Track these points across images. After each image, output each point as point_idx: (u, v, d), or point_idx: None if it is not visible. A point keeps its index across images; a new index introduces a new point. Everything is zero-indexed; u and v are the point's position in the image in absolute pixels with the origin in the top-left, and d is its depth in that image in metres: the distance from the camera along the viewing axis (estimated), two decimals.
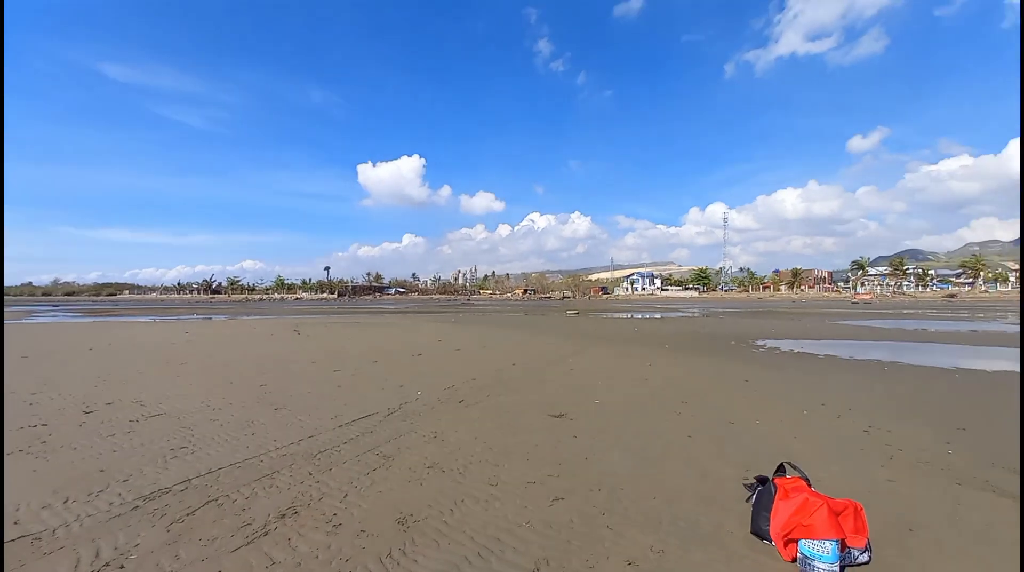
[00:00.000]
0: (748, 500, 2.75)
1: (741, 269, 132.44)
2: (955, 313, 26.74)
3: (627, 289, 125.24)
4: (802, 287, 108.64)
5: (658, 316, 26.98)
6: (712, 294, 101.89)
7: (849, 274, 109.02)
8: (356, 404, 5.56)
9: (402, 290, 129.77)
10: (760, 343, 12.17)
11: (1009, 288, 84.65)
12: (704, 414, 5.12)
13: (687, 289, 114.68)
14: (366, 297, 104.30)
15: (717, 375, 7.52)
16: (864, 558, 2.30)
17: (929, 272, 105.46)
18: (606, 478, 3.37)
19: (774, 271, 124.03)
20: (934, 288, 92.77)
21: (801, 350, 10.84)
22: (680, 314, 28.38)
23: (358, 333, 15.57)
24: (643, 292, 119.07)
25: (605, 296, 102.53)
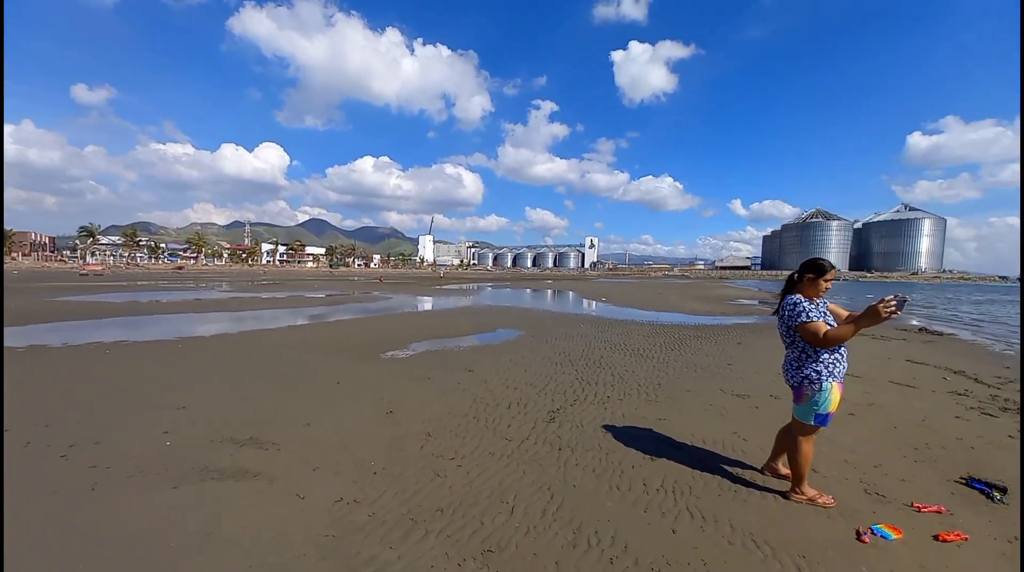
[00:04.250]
0: None
1: None
2: (184, 284, 30.01)
3: None
4: (14, 255, 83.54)
5: None
6: None
7: (78, 242, 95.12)
8: None
9: None
10: None
11: (223, 263, 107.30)
12: None
13: None
14: None
15: None
16: None
17: (161, 245, 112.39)
18: None
19: None
20: (166, 260, 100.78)
21: None
22: None
23: None
24: None
25: None
